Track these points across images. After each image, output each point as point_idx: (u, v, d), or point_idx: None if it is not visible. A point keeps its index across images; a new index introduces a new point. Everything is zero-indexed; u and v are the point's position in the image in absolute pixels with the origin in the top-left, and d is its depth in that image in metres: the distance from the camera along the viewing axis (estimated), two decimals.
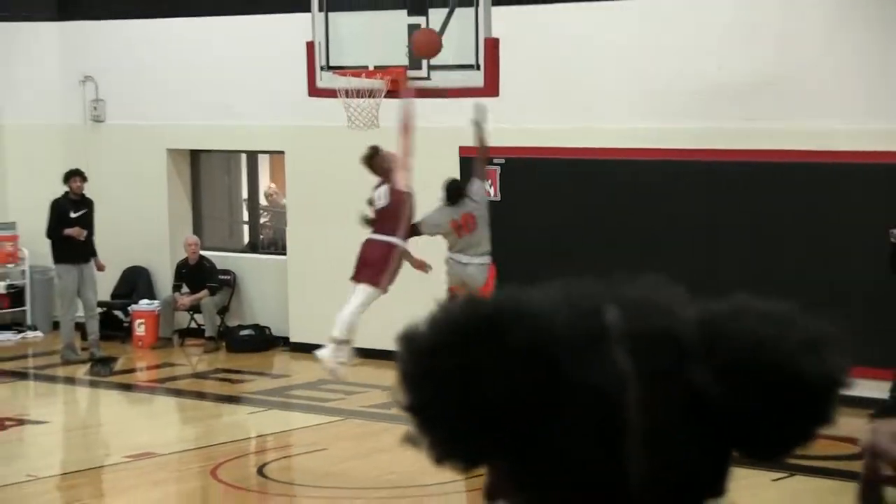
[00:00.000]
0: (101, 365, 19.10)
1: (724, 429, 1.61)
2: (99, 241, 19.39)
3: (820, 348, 1.63)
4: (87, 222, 19.35)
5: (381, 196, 14.26)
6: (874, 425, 1.41)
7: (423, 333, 1.63)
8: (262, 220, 21.92)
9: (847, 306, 15.41)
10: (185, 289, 20.29)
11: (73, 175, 19.46)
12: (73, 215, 19.25)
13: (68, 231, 19.14)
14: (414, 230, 14.41)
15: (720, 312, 1.64)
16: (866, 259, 15.21)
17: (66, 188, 19.42)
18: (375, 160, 14.31)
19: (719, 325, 1.62)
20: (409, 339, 1.64)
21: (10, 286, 21.19)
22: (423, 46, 14.05)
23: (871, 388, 15.19)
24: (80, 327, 19.66)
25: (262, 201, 21.87)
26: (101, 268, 19.43)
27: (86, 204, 19.44)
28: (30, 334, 21.01)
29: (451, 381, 1.59)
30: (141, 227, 20.70)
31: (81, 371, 18.91)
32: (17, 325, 21.16)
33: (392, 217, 14.10)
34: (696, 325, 1.61)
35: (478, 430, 1.59)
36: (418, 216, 14.49)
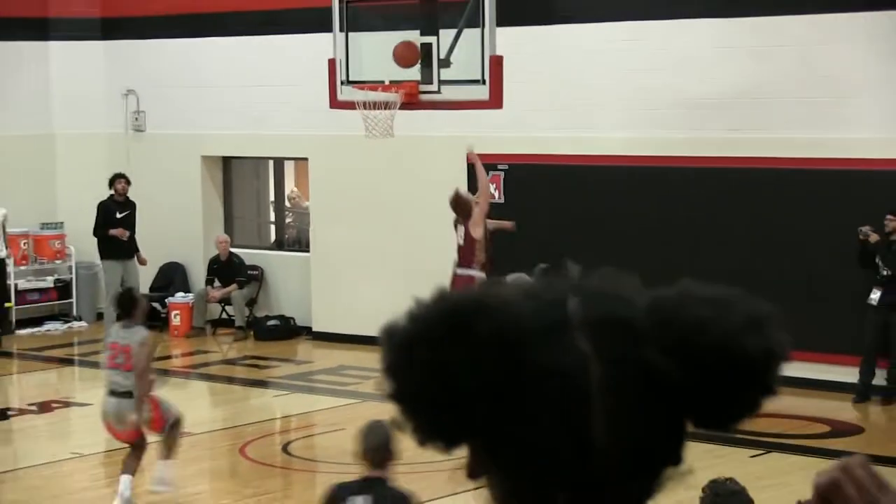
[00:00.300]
0: None
1: (677, 403, 1.61)
2: (139, 238, 19.41)
3: (759, 326, 1.63)
4: (130, 222, 19.40)
5: (460, 236, 14.92)
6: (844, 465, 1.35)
7: (402, 328, 1.63)
8: (287, 221, 21.93)
9: (824, 300, 15.40)
10: (216, 283, 20.28)
11: (118, 178, 19.51)
12: (118, 216, 19.31)
13: (113, 231, 19.20)
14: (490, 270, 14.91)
15: (668, 298, 1.65)
16: (840, 256, 15.20)
17: (111, 191, 19.47)
18: (456, 202, 14.90)
19: (667, 309, 1.63)
20: (390, 333, 1.64)
21: (57, 280, 21.20)
22: (402, 57, 14.20)
23: (853, 374, 15.21)
24: None
25: (287, 203, 21.88)
26: (143, 262, 19.47)
27: (129, 205, 19.48)
28: (75, 324, 21.00)
29: (427, 373, 1.60)
30: (177, 226, 20.70)
31: None
32: (64, 315, 21.16)
33: (468, 253, 14.77)
34: (647, 311, 1.62)
35: (454, 415, 1.60)
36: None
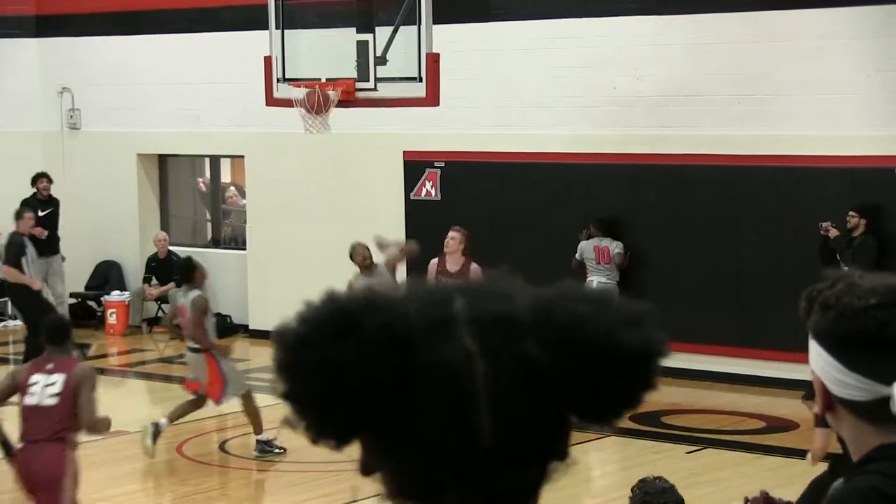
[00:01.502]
0: (76, 349, 18.96)
1: (559, 396, 1.66)
2: (75, 237, 19.32)
3: (636, 322, 1.68)
4: (53, 220, 19.29)
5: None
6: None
7: (292, 329, 1.67)
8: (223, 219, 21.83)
9: (756, 297, 15.48)
10: (154, 281, 20.16)
11: (40, 177, 19.52)
12: (40, 214, 19.18)
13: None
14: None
15: (548, 296, 1.70)
16: (772, 252, 15.29)
17: (34, 190, 19.39)
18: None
19: (547, 307, 1.68)
20: (281, 334, 1.68)
21: None
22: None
23: (789, 371, 15.29)
24: None
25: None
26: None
27: (52, 203, 19.43)
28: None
29: (316, 372, 1.63)
30: (113, 224, 20.56)
31: None
32: None
33: None
34: (528, 308, 1.68)
35: (343, 413, 1.65)
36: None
